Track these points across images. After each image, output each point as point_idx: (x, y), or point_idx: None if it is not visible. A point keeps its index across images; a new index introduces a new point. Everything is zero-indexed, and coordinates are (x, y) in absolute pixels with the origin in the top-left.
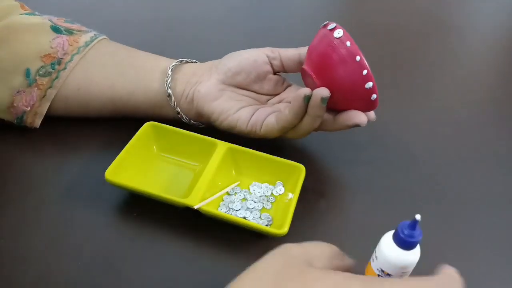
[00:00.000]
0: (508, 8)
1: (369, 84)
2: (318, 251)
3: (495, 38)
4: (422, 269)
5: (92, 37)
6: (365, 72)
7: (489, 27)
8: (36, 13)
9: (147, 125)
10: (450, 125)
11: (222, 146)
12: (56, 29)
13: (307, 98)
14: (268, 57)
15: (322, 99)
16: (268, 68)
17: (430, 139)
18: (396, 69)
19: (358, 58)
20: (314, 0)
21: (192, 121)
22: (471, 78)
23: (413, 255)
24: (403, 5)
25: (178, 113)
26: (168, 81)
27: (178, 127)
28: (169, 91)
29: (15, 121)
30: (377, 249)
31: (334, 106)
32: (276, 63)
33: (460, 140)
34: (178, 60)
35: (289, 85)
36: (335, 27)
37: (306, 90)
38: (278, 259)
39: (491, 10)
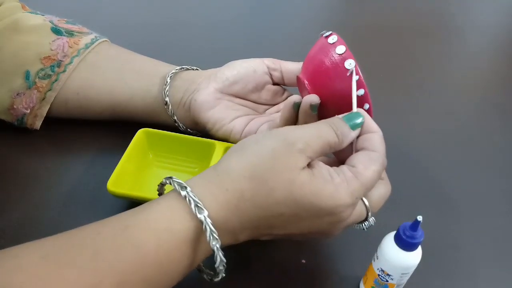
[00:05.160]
0: (508, 8)
1: (361, 92)
2: (315, 147)
3: (495, 38)
4: (424, 270)
5: (93, 39)
6: (356, 78)
7: (489, 27)
8: (38, 12)
9: (140, 132)
10: (450, 125)
11: (220, 146)
12: (56, 31)
13: (297, 106)
14: (268, 67)
15: (312, 106)
16: (267, 78)
17: (431, 140)
18: (395, 69)
19: (348, 63)
20: (316, 3)
21: (188, 129)
22: (471, 78)
23: (415, 257)
24: (404, 5)
25: (175, 121)
26: (166, 89)
27: (173, 132)
28: (167, 99)
29: (16, 122)
30: (378, 249)
31: (327, 116)
32: (276, 74)
33: (460, 140)
34: (178, 68)
35: (289, 96)
36: (330, 34)
37: (295, 97)
38: (275, 140)
39: (491, 10)
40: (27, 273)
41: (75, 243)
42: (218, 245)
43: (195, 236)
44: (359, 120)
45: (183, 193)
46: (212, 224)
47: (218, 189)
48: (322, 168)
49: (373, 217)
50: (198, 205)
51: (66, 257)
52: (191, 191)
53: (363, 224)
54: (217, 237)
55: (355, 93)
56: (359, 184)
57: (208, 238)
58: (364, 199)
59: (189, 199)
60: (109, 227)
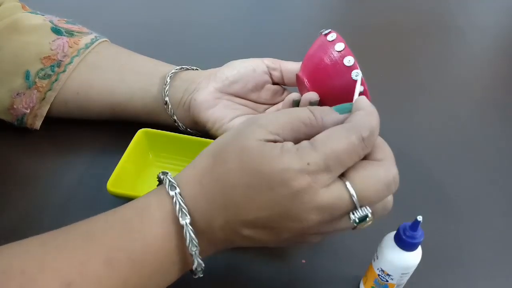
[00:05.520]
0: (508, 8)
1: (360, 89)
2: (280, 123)
3: (495, 38)
4: (424, 270)
5: (93, 39)
6: (359, 77)
7: (489, 27)
8: (38, 12)
9: (140, 132)
10: (450, 125)
11: None
12: (56, 31)
13: (296, 103)
14: (268, 67)
15: (311, 103)
16: (267, 78)
17: (431, 140)
18: (395, 69)
19: (347, 60)
20: (316, 3)
21: (188, 129)
22: (471, 78)
23: (415, 257)
24: (403, 5)
25: (175, 121)
26: (166, 89)
27: (173, 132)
28: (166, 98)
29: (16, 122)
30: (378, 249)
31: None
32: (276, 74)
33: (460, 140)
34: (178, 68)
35: None
36: (329, 31)
37: (294, 95)
38: (246, 125)
39: (491, 10)
40: (26, 257)
41: (70, 229)
42: (187, 221)
43: (172, 215)
44: (346, 105)
45: (163, 177)
46: (182, 200)
47: (189, 168)
48: (281, 143)
49: (366, 207)
50: (173, 184)
51: (61, 241)
52: (170, 176)
53: (353, 214)
54: (186, 213)
55: (358, 87)
56: (314, 151)
57: (177, 212)
58: (347, 182)
59: (165, 181)
60: (102, 214)
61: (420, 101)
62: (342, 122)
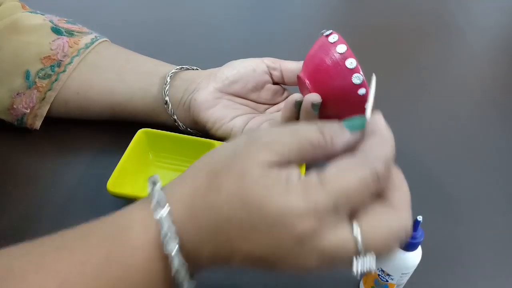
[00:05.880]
0: (508, 8)
1: (362, 91)
2: (287, 143)
3: (495, 38)
4: (424, 270)
5: (93, 39)
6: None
7: (489, 27)
8: (38, 12)
9: (140, 132)
10: (450, 125)
11: None
12: (56, 31)
13: (298, 104)
14: (268, 67)
15: (313, 105)
16: (267, 78)
17: (431, 140)
18: (395, 69)
19: (348, 62)
20: (316, 2)
21: (188, 129)
22: (471, 78)
23: (415, 257)
24: (404, 5)
25: (175, 121)
26: (166, 89)
27: (173, 132)
28: (166, 98)
29: (16, 122)
30: None
31: (328, 116)
32: (276, 73)
33: (460, 140)
34: (178, 67)
35: (290, 95)
36: (331, 33)
37: (297, 96)
38: (244, 136)
39: (491, 10)
40: (24, 257)
41: (67, 230)
42: (175, 249)
43: (156, 241)
44: (359, 122)
45: (151, 187)
46: (169, 224)
47: (180, 185)
48: (286, 170)
49: (371, 256)
50: (160, 202)
51: (58, 241)
52: (159, 189)
53: (354, 261)
54: (174, 236)
55: (371, 98)
56: (322, 191)
57: (163, 238)
58: (355, 225)
59: (153, 195)
60: (100, 218)
61: (420, 101)
62: (353, 144)
